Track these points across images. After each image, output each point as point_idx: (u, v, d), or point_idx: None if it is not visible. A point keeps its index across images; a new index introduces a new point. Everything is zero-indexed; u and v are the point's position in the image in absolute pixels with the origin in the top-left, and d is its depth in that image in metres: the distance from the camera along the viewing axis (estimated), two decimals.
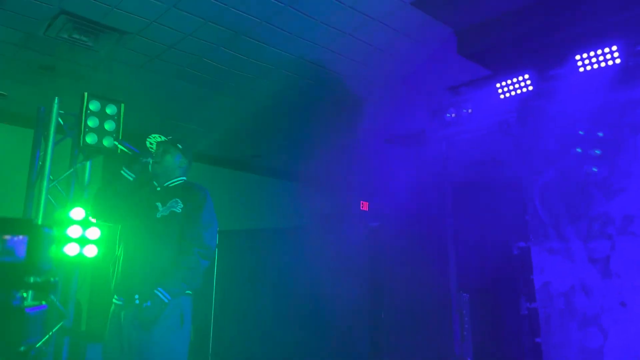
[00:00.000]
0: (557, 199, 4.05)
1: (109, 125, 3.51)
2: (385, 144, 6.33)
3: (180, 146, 3.04)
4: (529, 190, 4.25)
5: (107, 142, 3.50)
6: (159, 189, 2.98)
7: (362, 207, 7.69)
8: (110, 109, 3.53)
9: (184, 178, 3.07)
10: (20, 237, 1.98)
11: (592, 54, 3.72)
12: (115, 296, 2.80)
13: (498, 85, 4.19)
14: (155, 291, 2.63)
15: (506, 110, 4.37)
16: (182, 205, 2.87)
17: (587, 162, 3.90)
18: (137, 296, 2.67)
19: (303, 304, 6.06)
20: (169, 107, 6.10)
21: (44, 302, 3.18)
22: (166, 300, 2.63)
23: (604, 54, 3.70)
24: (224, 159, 7.89)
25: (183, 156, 3.05)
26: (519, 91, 4.13)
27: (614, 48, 3.66)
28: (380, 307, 5.66)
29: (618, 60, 3.70)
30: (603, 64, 3.73)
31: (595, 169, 3.84)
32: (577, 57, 3.79)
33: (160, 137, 3.05)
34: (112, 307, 2.81)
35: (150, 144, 3.05)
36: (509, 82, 4.13)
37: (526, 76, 4.07)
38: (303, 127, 6.63)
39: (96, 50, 4.73)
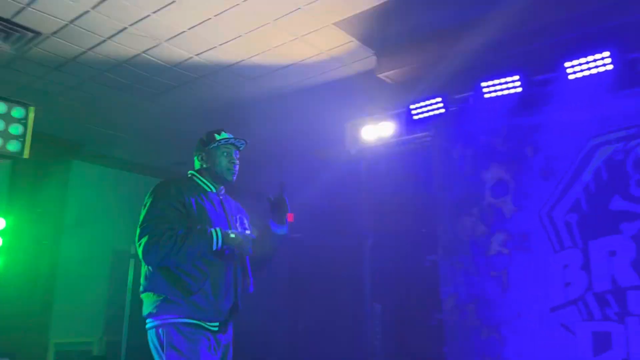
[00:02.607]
0: (464, 215, 4.31)
1: (15, 129, 3.34)
2: (310, 158, 6.44)
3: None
4: (439, 205, 4.50)
5: (12, 146, 3.32)
6: (220, 197, 2.66)
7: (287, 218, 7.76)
8: (17, 112, 3.35)
9: None
10: None
11: (496, 81, 4.03)
12: (206, 322, 2.39)
13: (412, 106, 4.41)
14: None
15: (420, 130, 4.61)
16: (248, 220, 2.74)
17: (490, 181, 4.20)
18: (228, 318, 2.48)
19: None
20: (87, 111, 5.88)
21: None
22: None
23: (506, 83, 4.01)
24: (145, 166, 7.68)
25: None
26: (431, 113, 4.36)
27: (515, 77, 3.98)
28: (298, 318, 5.72)
29: (519, 89, 4.02)
30: (506, 92, 4.04)
31: (496, 188, 4.14)
32: (483, 84, 4.08)
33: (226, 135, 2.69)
34: (198, 333, 2.36)
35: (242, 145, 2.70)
36: (422, 103, 4.36)
37: (438, 99, 4.32)
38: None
39: (6, 50, 4.49)
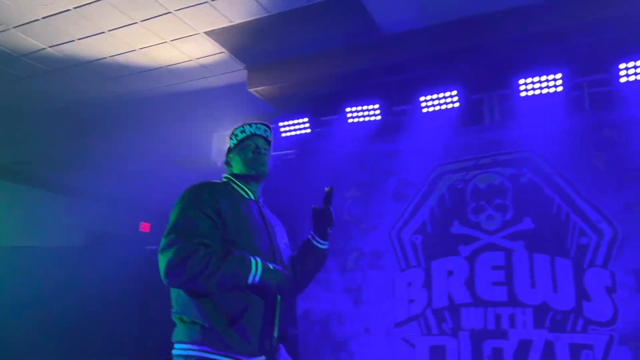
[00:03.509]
0: None
1: None
2: (172, 166, 6.20)
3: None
4: (301, 222, 4.59)
5: None
6: (259, 205, 2.24)
7: (142, 228, 7.31)
8: None
9: None
10: None
11: (358, 108, 4.25)
12: (250, 358, 1.97)
13: (281, 124, 4.47)
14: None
15: (287, 147, 4.68)
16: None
17: (349, 200, 4.40)
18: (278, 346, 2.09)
19: (68, 328, 5.54)
20: None
21: None
22: None
23: (368, 110, 4.26)
24: None
25: None
26: (298, 132, 4.47)
27: (376, 106, 4.25)
28: (149, 334, 5.43)
29: (379, 117, 4.29)
30: (367, 119, 4.28)
31: (353, 208, 4.35)
32: (347, 109, 4.28)
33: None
34: None
35: (265, 130, 2.26)
36: (290, 122, 4.45)
37: (305, 119, 4.44)
38: (82, 138, 6.12)
39: None
